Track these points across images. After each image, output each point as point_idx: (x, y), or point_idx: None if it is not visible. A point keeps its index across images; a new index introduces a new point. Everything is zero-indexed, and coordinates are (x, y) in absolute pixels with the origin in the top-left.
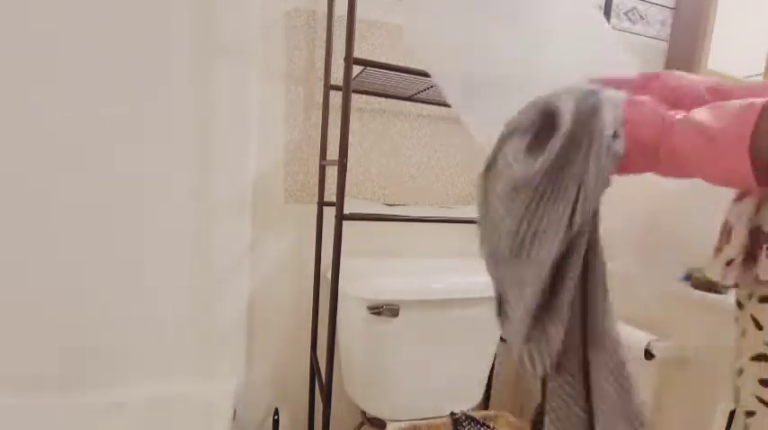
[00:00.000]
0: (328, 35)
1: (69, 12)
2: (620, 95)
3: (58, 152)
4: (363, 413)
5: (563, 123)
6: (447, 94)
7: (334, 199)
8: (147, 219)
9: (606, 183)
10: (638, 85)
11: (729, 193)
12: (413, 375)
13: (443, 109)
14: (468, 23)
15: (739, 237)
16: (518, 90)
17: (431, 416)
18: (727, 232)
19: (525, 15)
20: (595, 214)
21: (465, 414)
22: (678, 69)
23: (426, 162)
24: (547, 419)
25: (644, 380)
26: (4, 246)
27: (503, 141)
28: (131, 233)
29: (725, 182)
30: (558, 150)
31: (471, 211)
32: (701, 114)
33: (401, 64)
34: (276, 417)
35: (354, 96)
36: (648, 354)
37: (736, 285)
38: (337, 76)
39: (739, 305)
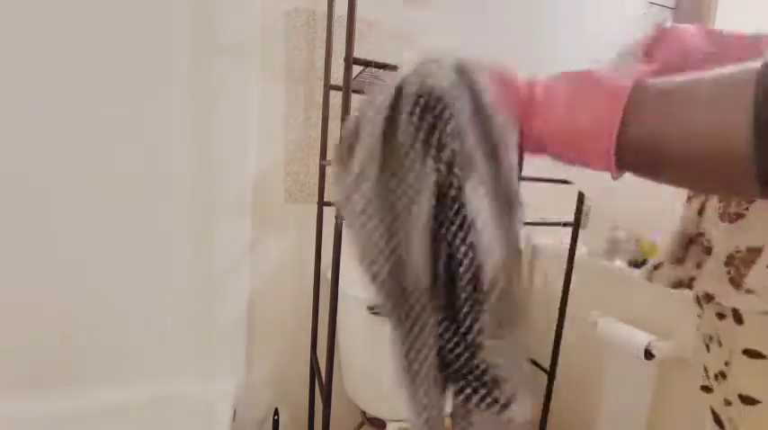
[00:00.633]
0: (328, 35)
1: (69, 12)
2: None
3: (58, 152)
4: (363, 413)
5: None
6: None
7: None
8: (147, 218)
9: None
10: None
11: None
12: None
13: None
14: None
15: (667, 242)
16: None
17: None
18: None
19: None
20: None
21: None
22: None
23: None
24: None
25: (644, 380)
26: (5, 246)
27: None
28: (131, 233)
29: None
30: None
31: None
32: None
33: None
34: (276, 417)
35: (354, 96)
36: (648, 354)
37: (676, 285)
38: (337, 76)
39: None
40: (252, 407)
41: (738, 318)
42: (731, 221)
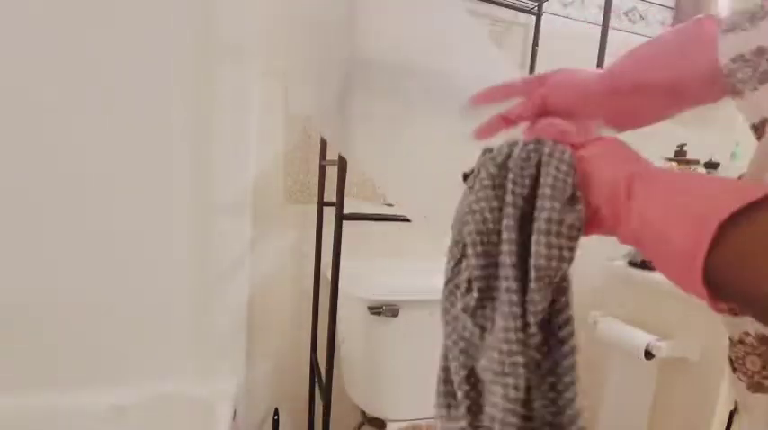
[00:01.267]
0: None
1: (69, 12)
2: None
3: (58, 152)
4: (363, 413)
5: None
6: None
7: (334, 199)
8: (147, 218)
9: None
10: (521, 91)
11: None
12: (413, 375)
13: None
14: None
15: None
16: None
17: (431, 416)
18: None
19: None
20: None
21: None
22: None
23: None
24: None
25: (644, 380)
26: (5, 246)
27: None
28: (131, 232)
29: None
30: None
31: None
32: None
33: None
34: (276, 417)
35: None
36: (648, 354)
37: None
38: None
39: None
40: (252, 407)
41: None
42: None
